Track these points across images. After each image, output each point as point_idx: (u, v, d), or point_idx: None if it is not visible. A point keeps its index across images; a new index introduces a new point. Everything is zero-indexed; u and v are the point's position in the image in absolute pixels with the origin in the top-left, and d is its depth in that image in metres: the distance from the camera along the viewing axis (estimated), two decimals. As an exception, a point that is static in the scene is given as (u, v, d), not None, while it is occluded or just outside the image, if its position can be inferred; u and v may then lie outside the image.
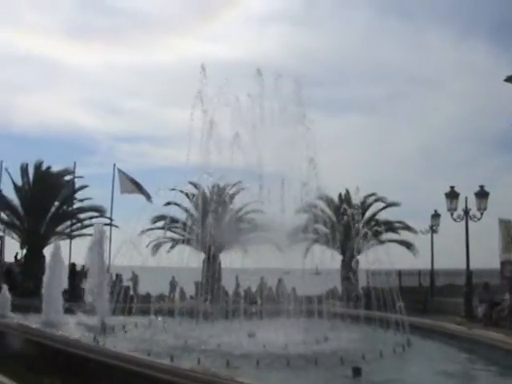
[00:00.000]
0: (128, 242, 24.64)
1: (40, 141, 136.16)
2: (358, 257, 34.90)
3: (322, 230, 32.25)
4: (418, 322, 21.69)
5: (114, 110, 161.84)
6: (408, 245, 37.25)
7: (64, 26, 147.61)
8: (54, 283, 24.37)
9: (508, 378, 14.44)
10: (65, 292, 25.86)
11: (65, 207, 37.90)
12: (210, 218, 27.44)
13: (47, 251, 33.63)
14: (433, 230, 34.02)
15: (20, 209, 36.43)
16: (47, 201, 36.44)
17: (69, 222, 37.74)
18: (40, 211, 35.89)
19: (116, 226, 36.80)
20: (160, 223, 33.98)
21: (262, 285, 26.20)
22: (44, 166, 37.00)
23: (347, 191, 37.66)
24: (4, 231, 37.15)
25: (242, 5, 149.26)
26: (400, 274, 31.60)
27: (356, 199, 37.16)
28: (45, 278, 24.84)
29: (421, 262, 36.77)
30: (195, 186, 31.35)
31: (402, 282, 31.49)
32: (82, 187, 37.82)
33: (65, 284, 26.92)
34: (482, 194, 26.75)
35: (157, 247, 34.05)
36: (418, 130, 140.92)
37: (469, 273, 26.39)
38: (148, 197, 37.61)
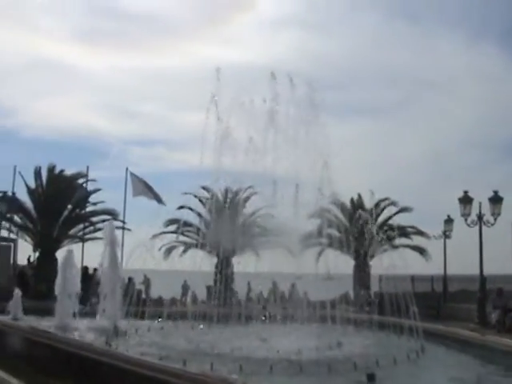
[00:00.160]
0: (140, 246, 24.67)
1: (53, 144, 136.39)
2: (371, 262, 34.96)
3: (335, 234, 32.18)
4: (432, 328, 21.56)
5: (127, 114, 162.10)
6: (421, 250, 37.05)
7: (77, 31, 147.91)
8: (67, 286, 24.40)
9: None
10: (77, 295, 25.88)
11: (77, 210, 37.98)
12: (222, 222, 27.42)
13: (60, 254, 33.75)
14: (446, 235, 33.83)
15: (33, 212, 36.54)
16: (60, 204, 36.53)
17: (81, 225, 37.80)
18: (53, 214, 35.99)
19: (129, 230, 36.93)
20: (172, 227, 34.01)
21: (274, 289, 26.13)
22: (57, 170, 37.12)
23: (359, 196, 37.54)
24: (17, 234, 37.28)
25: (253, 9, 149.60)
26: (413, 279, 31.43)
27: (368, 204, 37.10)
28: (57, 281, 24.84)
29: (434, 268, 36.58)
30: (208, 190, 31.41)
31: (414, 288, 31.32)
32: (95, 190, 37.94)
33: (77, 287, 26.93)
34: (496, 200, 26.56)
35: (169, 251, 34.02)
36: (429, 134, 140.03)
37: (482, 278, 26.21)
38: (159, 200, 37.69)
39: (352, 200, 37.58)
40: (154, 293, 32.15)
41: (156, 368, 11.07)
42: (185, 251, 34.61)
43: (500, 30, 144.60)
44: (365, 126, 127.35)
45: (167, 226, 33.91)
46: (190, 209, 33.32)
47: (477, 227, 26.67)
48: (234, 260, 33.11)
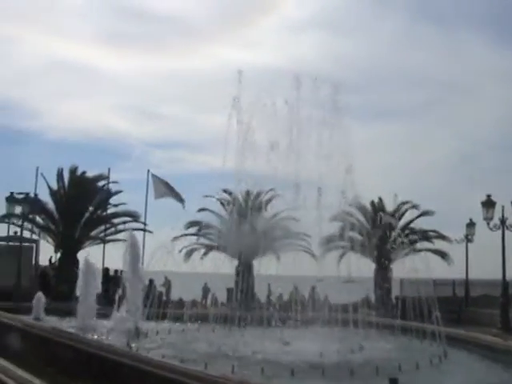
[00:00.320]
0: (161, 248, 24.69)
1: (76, 146, 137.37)
2: (392, 265, 34.78)
3: (356, 237, 32.04)
4: (454, 333, 21.32)
5: (149, 116, 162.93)
6: (442, 254, 36.74)
7: (101, 33, 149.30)
8: (88, 288, 24.51)
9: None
10: (98, 296, 25.99)
11: (99, 212, 38.16)
12: (243, 224, 27.40)
13: (81, 255, 33.94)
14: (468, 239, 33.60)
15: (55, 213, 36.77)
16: (82, 205, 36.72)
17: (103, 227, 37.96)
18: (74, 215, 36.20)
19: (150, 232, 37.03)
20: (193, 229, 34.03)
21: (294, 292, 26.03)
22: (79, 171, 37.32)
23: (380, 199, 37.35)
24: (39, 235, 37.52)
25: (277, 12, 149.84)
26: (434, 283, 31.21)
27: (390, 207, 36.94)
28: (79, 283, 24.95)
29: (455, 272, 36.31)
30: (229, 193, 31.40)
31: (435, 292, 31.10)
32: (116, 192, 38.09)
33: (98, 288, 27.04)
34: (520, 203, 26.33)
35: (190, 253, 34.03)
36: (452, 137, 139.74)
37: (505, 283, 26.00)
38: (181, 201, 37.76)
39: (373, 203, 37.38)
40: (175, 295, 32.17)
41: (177, 370, 11.05)
42: (205, 253, 34.64)
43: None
44: (387, 129, 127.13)
45: (188, 228, 33.96)
46: (212, 211, 33.39)
47: (499, 231, 26.47)
48: (255, 263, 33.07)
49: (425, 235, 37.08)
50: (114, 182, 38.61)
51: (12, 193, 36.29)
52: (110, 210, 38.27)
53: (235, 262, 30.85)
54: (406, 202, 37.46)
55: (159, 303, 25.62)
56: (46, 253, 38.16)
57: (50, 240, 37.22)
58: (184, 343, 19.37)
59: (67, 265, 35.00)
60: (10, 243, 36.08)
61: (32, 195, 36.84)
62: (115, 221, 37.65)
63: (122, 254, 25.04)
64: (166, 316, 24.52)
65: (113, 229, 37.54)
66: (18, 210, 36.29)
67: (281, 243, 32.87)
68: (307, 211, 23.66)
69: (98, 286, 26.42)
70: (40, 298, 25.74)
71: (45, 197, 37.06)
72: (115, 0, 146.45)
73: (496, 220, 26.70)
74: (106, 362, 12.43)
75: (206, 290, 33.62)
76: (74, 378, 11.13)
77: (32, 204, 36.29)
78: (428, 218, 37.74)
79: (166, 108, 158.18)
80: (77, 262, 34.04)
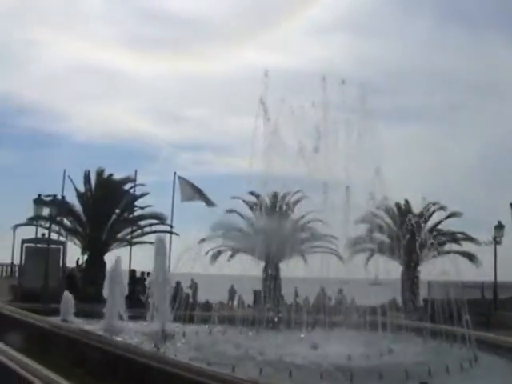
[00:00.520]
0: (188, 250, 24.69)
1: (102, 149, 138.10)
2: (419, 267, 34.50)
3: (383, 239, 31.84)
4: (484, 337, 21.01)
5: (175, 119, 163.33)
6: (471, 256, 36.41)
7: (127, 37, 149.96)
8: (115, 290, 24.57)
9: None
10: (125, 298, 26.02)
11: (126, 214, 38.26)
12: (270, 226, 27.32)
13: (108, 257, 34.07)
14: (496, 241, 33.25)
15: (82, 215, 36.89)
16: (108, 208, 36.82)
17: (129, 229, 38.04)
18: (101, 218, 36.29)
19: (176, 234, 37.03)
20: (220, 231, 33.98)
21: (321, 294, 25.89)
22: (106, 174, 37.43)
23: (406, 201, 37.11)
24: (66, 237, 37.70)
25: (302, 14, 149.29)
26: (462, 285, 30.90)
27: (416, 208, 36.68)
28: (106, 285, 25.03)
29: (483, 274, 35.93)
30: (257, 196, 31.38)
31: (463, 295, 30.78)
32: (143, 194, 38.11)
33: (125, 290, 27.09)
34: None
35: (216, 255, 34.01)
36: (479, 138, 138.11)
37: (534, 286, 25.66)
38: (209, 203, 37.75)
39: (398, 204, 37.12)
40: (201, 297, 32.15)
41: (204, 373, 11.00)
42: (232, 256, 34.60)
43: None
44: (413, 131, 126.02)
45: (214, 230, 33.93)
46: (239, 214, 33.39)
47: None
48: (282, 265, 32.96)
49: (453, 237, 36.81)
50: (140, 185, 38.69)
51: (40, 195, 36.60)
52: (137, 213, 38.31)
53: (262, 264, 30.78)
54: (434, 204, 37.19)
55: (186, 305, 25.62)
56: (73, 255, 38.38)
57: (77, 242, 37.36)
58: (211, 346, 19.32)
59: (94, 267, 35.12)
60: (38, 245, 36.29)
61: (59, 197, 37.09)
62: (142, 223, 37.67)
63: (148, 256, 25.16)
64: (193, 318, 24.49)
65: (139, 231, 37.59)
66: (45, 212, 36.59)
67: (308, 245, 32.78)
68: (334, 213, 23.56)
69: (124, 288, 26.45)
70: (68, 299, 25.81)
71: (72, 199, 37.24)
72: (139, 4, 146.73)
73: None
74: (134, 364, 12.43)
75: (232, 292, 33.56)
76: (101, 380, 11.12)
77: (59, 206, 36.51)
78: (456, 220, 37.50)
79: (191, 110, 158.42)
80: (104, 264, 34.15)
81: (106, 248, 36.52)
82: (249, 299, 31.38)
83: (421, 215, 35.81)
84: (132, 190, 38.49)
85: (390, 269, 30.07)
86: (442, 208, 37.15)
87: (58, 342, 15.95)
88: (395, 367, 15.90)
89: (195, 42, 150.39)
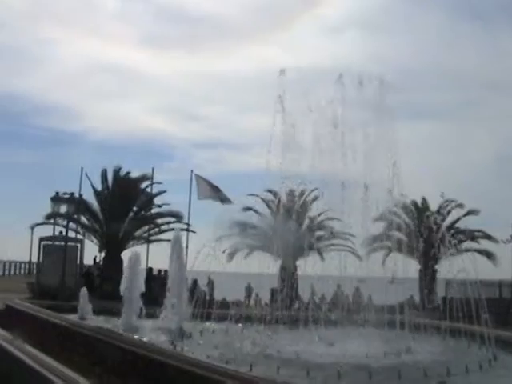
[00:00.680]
0: (205, 248, 24.69)
1: (119, 147, 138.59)
2: (436, 265, 34.29)
3: (401, 237, 31.67)
4: (504, 336, 20.82)
5: (192, 117, 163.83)
6: (488, 254, 36.19)
7: (143, 35, 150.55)
8: (133, 287, 24.62)
9: None
10: (142, 296, 26.08)
11: (143, 212, 38.36)
12: (287, 224, 27.28)
13: (125, 255, 34.15)
14: (515, 239, 33.06)
15: (99, 213, 37.03)
16: (126, 205, 36.93)
17: (146, 227, 38.13)
18: (119, 216, 36.39)
19: (193, 232, 37.08)
20: (236, 229, 33.97)
21: (338, 293, 25.81)
22: (123, 172, 37.53)
23: (424, 198, 36.93)
24: (83, 235, 37.87)
25: (317, 12, 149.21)
26: (480, 284, 30.63)
27: (434, 206, 36.49)
28: (123, 282, 25.09)
29: (502, 273, 35.67)
30: (274, 193, 31.35)
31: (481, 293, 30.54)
32: (160, 193, 38.20)
33: (142, 288, 27.16)
34: None
35: (233, 253, 34.01)
36: (496, 136, 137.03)
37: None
38: (225, 200, 37.73)
39: (417, 202, 36.95)
40: (218, 295, 32.16)
41: (222, 371, 10.96)
42: (249, 253, 34.60)
43: None
44: (428, 128, 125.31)
45: (231, 228, 33.91)
46: (256, 212, 33.39)
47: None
48: (299, 263, 32.91)
49: (471, 235, 36.56)
50: (157, 183, 38.79)
51: (57, 193, 36.79)
52: (154, 211, 38.43)
53: (279, 262, 30.73)
54: (451, 201, 36.98)
55: (203, 303, 25.63)
56: (91, 252, 38.60)
57: (94, 240, 37.54)
58: (228, 344, 19.28)
59: (111, 264, 35.26)
60: (56, 243, 36.48)
61: (77, 195, 37.26)
62: (159, 221, 37.76)
63: (165, 255, 25.19)
64: (210, 316, 24.49)
65: (156, 229, 37.67)
66: (63, 209, 36.78)
67: (325, 243, 32.71)
68: (351, 211, 23.48)
69: (141, 286, 26.52)
70: (85, 296, 25.90)
71: (89, 197, 37.41)
72: (154, 3, 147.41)
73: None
74: (152, 362, 12.41)
75: (249, 290, 33.54)
76: (119, 378, 11.10)
77: (77, 204, 36.69)
78: (473, 218, 37.27)
79: (207, 109, 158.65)
80: (121, 261, 34.27)
81: (123, 246, 36.63)
82: (266, 297, 31.32)
83: (438, 213, 35.65)
84: (149, 189, 38.60)
85: (408, 267, 29.90)
86: (460, 206, 36.94)
87: (76, 339, 15.96)
88: (413, 366, 15.80)
89: (211, 40, 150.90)
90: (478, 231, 37.01)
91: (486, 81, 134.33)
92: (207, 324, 23.92)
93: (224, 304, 28.14)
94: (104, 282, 34.49)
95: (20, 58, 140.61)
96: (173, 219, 37.07)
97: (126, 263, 28.10)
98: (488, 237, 36.79)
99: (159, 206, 37.92)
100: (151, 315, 24.63)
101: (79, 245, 36.97)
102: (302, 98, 22.94)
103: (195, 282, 29.93)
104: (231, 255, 33.76)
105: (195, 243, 32.44)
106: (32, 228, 39.73)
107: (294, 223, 27.60)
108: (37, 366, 10.86)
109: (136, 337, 18.07)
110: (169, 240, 28.82)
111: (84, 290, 27.00)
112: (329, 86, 23.30)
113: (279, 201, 29.03)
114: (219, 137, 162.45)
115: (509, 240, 33.47)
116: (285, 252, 28.08)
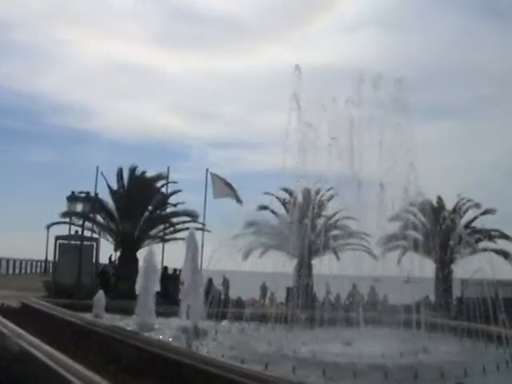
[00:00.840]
0: (220, 247, 24.68)
1: (134, 146, 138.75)
2: (452, 265, 34.13)
3: (417, 237, 31.52)
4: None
5: (207, 116, 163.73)
6: (505, 254, 35.96)
7: (158, 35, 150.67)
8: (148, 286, 24.64)
9: None
10: (157, 295, 26.11)
11: (158, 211, 38.40)
12: (302, 223, 27.19)
13: (140, 254, 34.19)
14: (531, 238, 32.83)
15: (115, 212, 37.09)
16: (141, 205, 36.97)
17: (162, 226, 38.17)
18: (134, 215, 36.44)
19: (208, 231, 37.06)
20: (252, 228, 33.93)
21: (353, 292, 25.72)
22: (138, 171, 37.57)
23: (440, 198, 36.75)
24: (99, 234, 37.97)
25: (333, 10, 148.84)
26: (497, 284, 30.42)
27: (450, 206, 36.32)
28: (138, 281, 25.11)
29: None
30: (290, 192, 31.32)
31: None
32: (175, 192, 38.20)
33: (157, 287, 27.19)
34: None
35: (248, 252, 33.97)
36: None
37: None
38: (238, 200, 37.71)
39: (433, 202, 36.75)
40: (233, 294, 32.15)
41: (237, 371, 10.92)
42: (264, 252, 34.55)
43: None
44: (444, 127, 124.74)
45: (246, 227, 33.87)
46: (273, 211, 33.37)
47: None
48: (314, 262, 32.82)
49: (487, 235, 36.32)
50: (172, 182, 38.79)
51: (73, 192, 36.94)
52: (169, 210, 38.46)
53: (294, 261, 30.65)
54: (468, 201, 36.76)
55: (218, 302, 25.63)
56: (106, 251, 38.69)
57: (109, 239, 37.61)
58: (244, 343, 19.26)
59: (127, 263, 35.32)
60: (71, 242, 36.62)
61: (92, 194, 37.38)
62: (174, 220, 37.75)
63: (181, 254, 25.18)
64: (225, 315, 24.48)
65: (172, 228, 37.69)
66: (78, 208, 36.93)
67: (340, 242, 32.62)
68: (367, 210, 23.40)
69: (156, 285, 26.54)
70: (100, 296, 25.95)
71: (105, 196, 37.48)
72: (169, 2, 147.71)
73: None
74: (167, 361, 12.40)
75: (264, 289, 33.50)
76: (135, 377, 11.08)
77: (92, 203, 36.85)
78: (489, 218, 37.03)
79: (222, 108, 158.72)
80: (136, 260, 34.33)
81: (138, 245, 36.66)
82: (281, 296, 31.28)
83: (454, 212, 35.49)
84: (164, 188, 38.65)
85: (424, 267, 29.76)
86: (477, 205, 36.70)
87: (92, 338, 15.99)
88: (430, 366, 15.68)
89: (226, 39, 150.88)
90: (495, 230, 36.76)
91: (507, 78, 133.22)
92: (222, 323, 23.89)
93: (239, 303, 28.17)
94: (119, 281, 34.55)
95: (38, 57, 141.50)
96: (188, 218, 37.07)
97: (141, 262, 28.14)
98: (505, 236, 36.56)
99: (174, 205, 37.95)
100: (166, 314, 24.65)
101: (95, 244, 37.12)
102: (317, 97, 22.90)
103: (210, 281, 29.90)
104: (246, 254, 33.73)
105: (210, 242, 32.46)
106: (48, 227, 39.87)
107: (309, 222, 27.46)
108: (54, 365, 10.86)
109: (151, 336, 18.11)
110: (184, 239, 28.82)
111: (100, 289, 27.09)
112: (344, 84, 23.28)
113: (295, 200, 28.98)
114: (234, 136, 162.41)
115: (526, 239, 33.21)
116: (300, 251, 28.00)
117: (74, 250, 35.49)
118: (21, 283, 41.21)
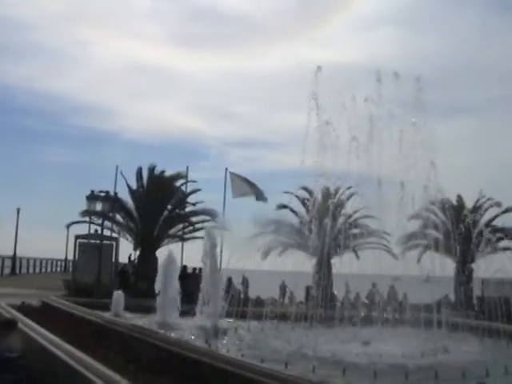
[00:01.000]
0: (239, 246, 24.66)
1: (154, 146, 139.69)
2: (472, 264, 33.87)
3: (436, 236, 31.32)
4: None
5: (226, 116, 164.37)
6: (526, 253, 35.58)
7: (175, 35, 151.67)
8: (167, 285, 24.67)
9: None
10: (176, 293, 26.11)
11: (177, 210, 38.46)
12: (322, 222, 27.08)
13: (160, 253, 34.26)
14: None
15: (134, 211, 37.20)
16: (160, 204, 37.06)
17: (181, 225, 38.23)
18: (153, 214, 36.53)
19: (227, 230, 37.03)
20: (271, 227, 33.86)
21: (373, 291, 25.62)
22: (157, 170, 37.66)
23: (460, 196, 36.47)
24: (119, 233, 38.11)
25: (350, 9, 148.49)
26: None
27: (470, 204, 36.03)
28: (158, 280, 25.13)
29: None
30: (309, 191, 31.27)
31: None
32: (195, 191, 38.28)
33: (177, 286, 27.19)
34: None
35: (267, 251, 33.93)
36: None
37: None
38: (261, 196, 37.67)
39: (453, 200, 36.49)
40: (252, 293, 32.12)
41: (257, 370, 10.89)
42: (283, 251, 34.50)
43: None
44: (463, 125, 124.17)
45: (266, 226, 33.80)
46: (293, 211, 33.34)
47: None
48: (333, 261, 32.72)
49: (508, 233, 35.98)
50: (191, 181, 38.87)
51: (93, 191, 37.10)
52: (188, 209, 38.53)
53: (313, 260, 30.56)
54: (488, 199, 36.45)
55: (237, 301, 25.62)
56: (126, 250, 38.84)
57: (129, 238, 37.72)
58: (263, 342, 19.21)
59: (146, 262, 35.40)
60: (91, 241, 36.79)
61: (112, 194, 37.52)
62: (193, 219, 37.80)
63: (200, 253, 25.19)
64: (245, 314, 24.45)
65: (191, 227, 37.74)
66: (98, 207, 37.08)
67: (360, 241, 32.48)
68: (387, 209, 23.28)
69: (176, 284, 26.56)
70: (119, 295, 26.02)
71: (124, 195, 37.62)
72: (187, 2, 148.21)
73: None
74: (186, 359, 12.40)
75: (283, 289, 33.44)
76: (154, 376, 11.09)
77: (112, 202, 36.99)
78: (509, 216, 36.66)
79: (241, 107, 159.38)
80: (155, 259, 34.39)
81: (157, 244, 36.79)
82: (300, 295, 31.22)
83: (475, 211, 35.21)
84: (183, 187, 38.69)
85: (444, 266, 29.57)
86: (497, 204, 36.37)
87: (111, 337, 16.03)
88: (451, 366, 15.52)
89: (244, 38, 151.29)
90: (515, 229, 36.41)
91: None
92: (242, 322, 23.86)
93: (258, 302, 28.12)
94: (139, 280, 34.63)
95: (59, 58, 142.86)
96: (207, 217, 37.10)
97: (160, 261, 28.19)
98: (525, 235, 36.17)
99: (193, 205, 38.02)
100: (186, 313, 24.67)
101: (114, 243, 37.28)
102: (336, 95, 22.84)
103: (230, 280, 29.90)
104: (265, 253, 33.69)
105: (230, 242, 32.44)
106: (68, 226, 40.12)
107: (328, 221, 27.36)
108: (74, 364, 10.89)
109: (170, 334, 18.13)
110: (203, 237, 28.84)
111: (119, 288, 27.17)
112: (364, 82, 23.18)
113: (314, 198, 28.90)
114: (253, 135, 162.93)
115: (547, 238, 32.87)
116: (319, 250, 27.89)
117: (93, 249, 35.66)
118: (41, 282, 41.50)
